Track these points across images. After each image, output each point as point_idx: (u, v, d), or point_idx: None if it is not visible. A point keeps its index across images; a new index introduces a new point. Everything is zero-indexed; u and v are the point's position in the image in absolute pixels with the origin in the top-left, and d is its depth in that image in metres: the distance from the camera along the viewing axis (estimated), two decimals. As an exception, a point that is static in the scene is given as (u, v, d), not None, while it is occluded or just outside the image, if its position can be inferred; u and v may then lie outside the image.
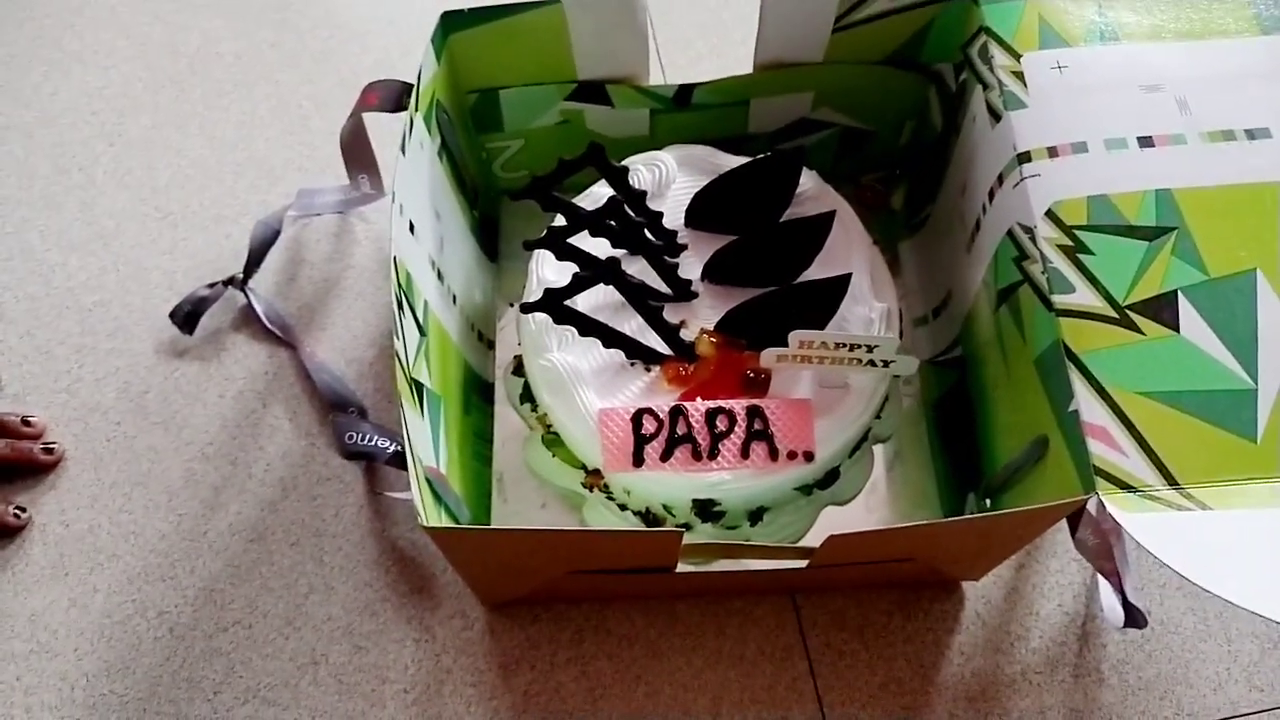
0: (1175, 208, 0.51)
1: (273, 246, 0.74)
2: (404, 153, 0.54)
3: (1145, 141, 0.52)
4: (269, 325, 0.72)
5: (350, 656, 0.62)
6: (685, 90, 0.67)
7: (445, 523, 0.53)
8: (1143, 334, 0.48)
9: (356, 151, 0.70)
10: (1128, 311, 0.48)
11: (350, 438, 0.62)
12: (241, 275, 0.73)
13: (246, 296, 0.73)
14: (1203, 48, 0.55)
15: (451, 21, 0.61)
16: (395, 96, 0.62)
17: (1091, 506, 0.48)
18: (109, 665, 0.62)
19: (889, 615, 0.63)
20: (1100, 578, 0.60)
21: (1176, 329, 0.48)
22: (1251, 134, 0.52)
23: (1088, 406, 0.47)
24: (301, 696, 0.61)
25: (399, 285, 0.52)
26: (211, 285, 0.73)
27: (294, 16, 0.88)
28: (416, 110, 0.57)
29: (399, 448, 0.63)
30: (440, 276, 0.61)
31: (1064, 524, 0.56)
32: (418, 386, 0.53)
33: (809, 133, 0.71)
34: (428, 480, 0.51)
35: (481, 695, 0.61)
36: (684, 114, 0.68)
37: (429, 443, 0.54)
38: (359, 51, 0.85)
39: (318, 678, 0.61)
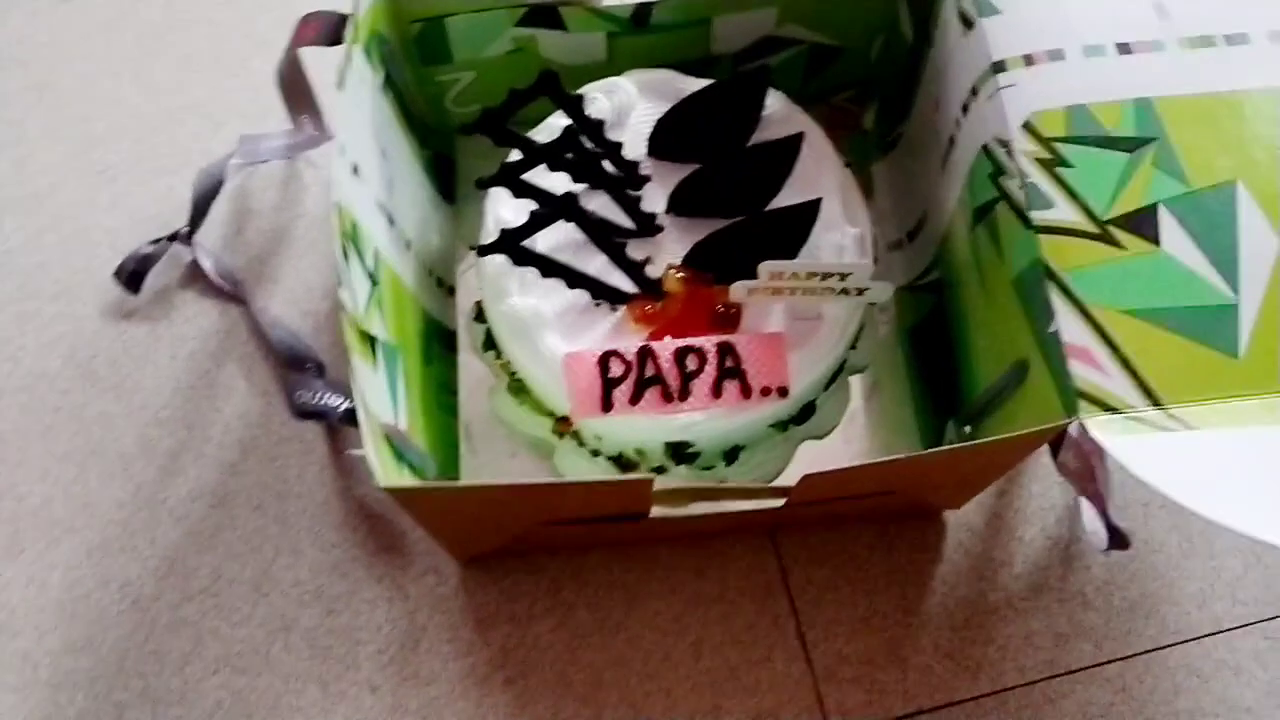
0: (1155, 118, 0.48)
1: (217, 197, 0.70)
2: (343, 87, 0.51)
3: (1123, 48, 0.50)
4: (218, 281, 0.69)
5: (321, 619, 0.60)
6: (643, 9, 0.63)
7: (407, 480, 0.51)
8: (1124, 249, 0.46)
9: (295, 91, 0.66)
10: (1108, 227, 0.46)
11: (300, 396, 0.59)
12: (187, 229, 0.70)
13: (193, 251, 0.70)
14: None
15: (387, -54, 0.57)
16: (333, 29, 0.58)
17: (1073, 428, 0.47)
18: (72, 642, 0.60)
19: (870, 548, 0.62)
20: (1083, 500, 0.59)
21: (1158, 243, 0.46)
22: (1230, 40, 0.50)
23: (1068, 326, 0.45)
24: (273, 663, 0.59)
25: (343, 233, 0.49)
26: (155, 241, 0.69)
27: (226, -49, 0.83)
28: (355, 42, 0.53)
29: (351, 405, 0.60)
30: (391, 221, 0.58)
31: (1046, 447, 0.55)
32: (370, 339, 0.51)
33: (775, 51, 0.68)
34: (386, 437, 0.49)
35: (458, 651, 0.60)
36: (643, 36, 0.65)
37: (386, 397, 0.51)
38: (298, -15, 0.81)
39: (289, 643, 0.60)
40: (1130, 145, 0.48)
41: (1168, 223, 0.46)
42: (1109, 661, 0.60)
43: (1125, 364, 0.44)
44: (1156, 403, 0.43)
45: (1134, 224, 0.46)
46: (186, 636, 0.60)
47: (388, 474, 0.46)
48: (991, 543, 0.63)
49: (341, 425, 0.63)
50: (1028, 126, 0.49)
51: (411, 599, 0.61)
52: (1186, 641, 0.60)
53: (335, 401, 0.60)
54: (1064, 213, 0.47)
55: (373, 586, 0.61)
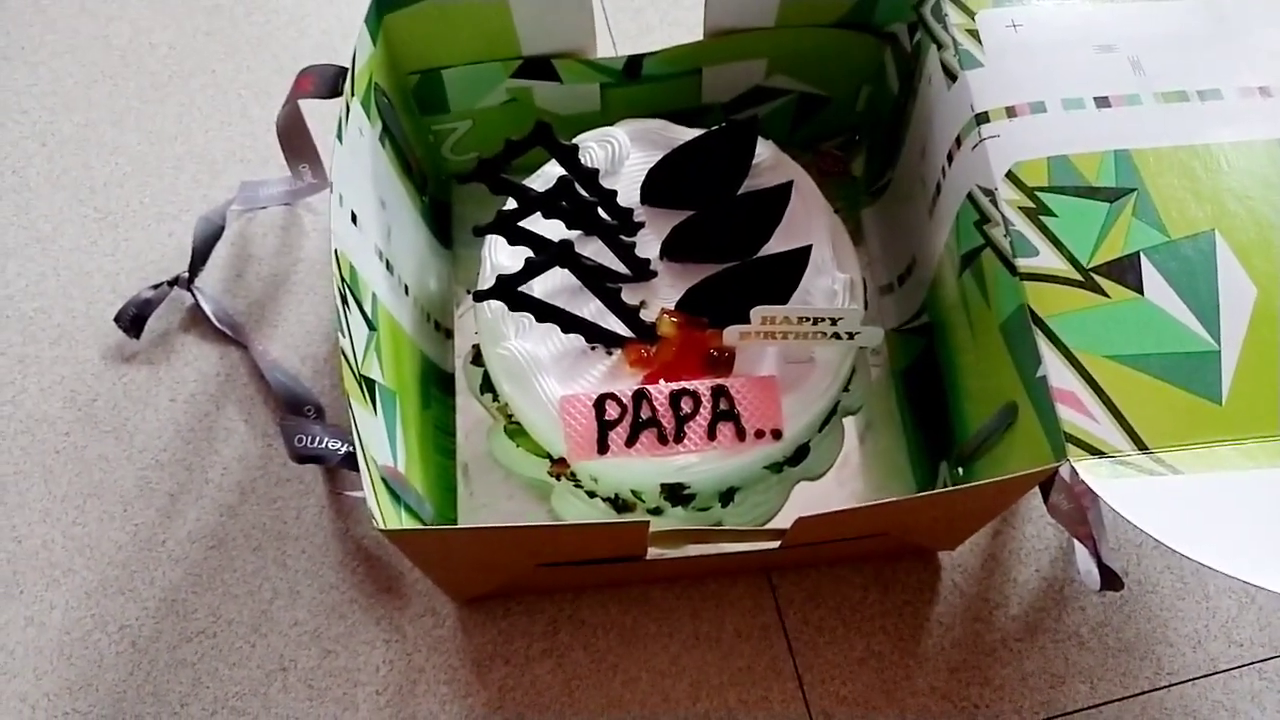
0: (1133, 168, 0.49)
1: (217, 243, 0.71)
2: (341, 140, 0.52)
3: (1102, 102, 0.51)
4: (218, 325, 0.70)
5: (319, 661, 0.60)
6: (635, 61, 0.65)
7: (405, 523, 0.51)
8: (1108, 296, 0.47)
9: (295, 141, 0.67)
10: (1092, 274, 0.47)
11: (299, 440, 0.60)
12: (187, 274, 0.71)
13: (193, 296, 0.71)
14: (1151, 8, 0.55)
15: (386, 0, 0.58)
16: (331, 82, 0.60)
17: (1063, 471, 0.48)
18: (70, 683, 0.60)
19: (866, 589, 0.63)
20: (1076, 541, 0.60)
21: (1140, 291, 0.47)
22: (1203, 95, 0.51)
23: (1056, 371, 0.46)
24: (271, 704, 0.59)
25: (342, 279, 0.50)
26: (156, 286, 0.70)
27: (228, 2, 0.84)
28: (353, 95, 0.54)
29: (351, 449, 0.61)
30: (389, 267, 0.59)
31: (1037, 489, 0.56)
32: (369, 383, 0.52)
33: (764, 101, 0.69)
34: (384, 480, 0.49)
35: (455, 693, 0.60)
36: (635, 87, 0.66)
37: (384, 441, 0.52)
38: (296, 36, 0.82)
39: (287, 684, 0.60)
40: (1110, 195, 0.49)
41: (1149, 271, 0.47)
42: (1105, 703, 0.60)
43: (1111, 409, 0.45)
44: (1142, 447, 0.44)
45: (1117, 271, 0.47)
46: (185, 678, 0.60)
47: (386, 517, 0.46)
48: (986, 584, 0.63)
49: (340, 469, 0.64)
50: (1011, 176, 0.50)
51: (409, 640, 0.61)
52: (1182, 683, 0.61)
53: (335, 445, 0.61)
54: (1048, 260, 0.48)
55: (370, 628, 0.61)
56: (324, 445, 0.60)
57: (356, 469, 0.46)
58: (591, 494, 0.60)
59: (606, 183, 0.59)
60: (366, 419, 0.49)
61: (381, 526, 0.45)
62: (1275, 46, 0.53)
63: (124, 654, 0.61)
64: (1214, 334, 0.45)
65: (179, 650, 0.61)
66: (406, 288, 0.62)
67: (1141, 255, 0.47)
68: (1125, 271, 0.47)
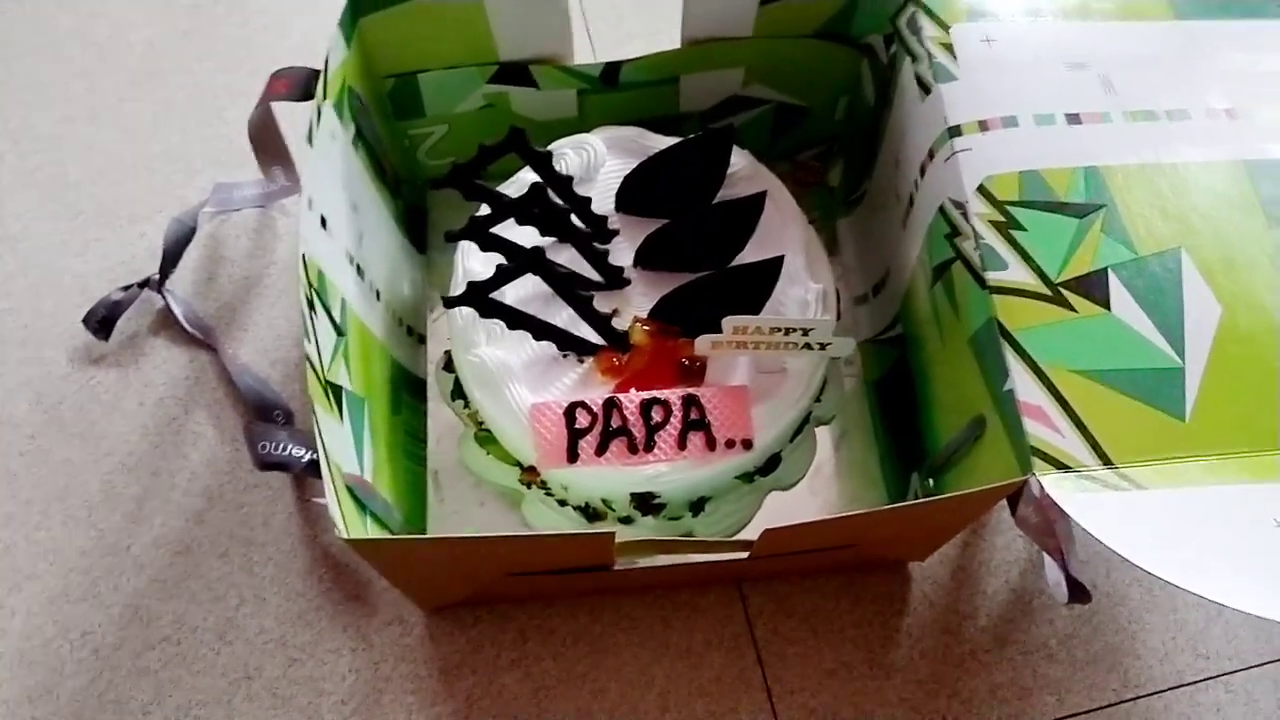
0: (1103, 185, 0.50)
1: (189, 245, 0.71)
2: (312, 144, 0.52)
3: (1073, 118, 0.52)
4: (188, 328, 0.69)
5: (285, 669, 0.60)
6: (612, 68, 0.65)
7: (371, 531, 0.51)
8: (1075, 311, 0.47)
9: (267, 143, 0.67)
10: (1060, 289, 0.48)
11: (263, 447, 0.59)
12: (158, 276, 0.70)
13: (164, 298, 0.70)
14: (1123, 29, 0.55)
15: (362, 3, 0.58)
16: (305, 84, 0.59)
17: (1031, 484, 0.48)
18: (29, 691, 0.59)
19: (836, 600, 0.62)
20: (1044, 553, 0.60)
21: (1108, 307, 0.47)
22: (1171, 115, 0.52)
23: (1023, 385, 0.46)
24: (235, 713, 0.59)
25: (309, 285, 0.49)
26: (126, 288, 0.70)
27: (207, 2, 0.84)
28: (325, 99, 0.54)
29: (315, 456, 0.60)
30: (360, 272, 0.58)
31: (1006, 501, 0.56)
32: (335, 390, 0.51)
33: (742, 110, 0.69)
34: (349, 488, 0.49)
35: (422, 702, 0.59)
36: (613, 94, 0.66)
37: (350, 448, 0.52)
38: (276, 38, 0.82)
39: (251, 693, 0.59)
40: (1080, 210, 0.49)
41: (1117, 287, 0.47)
42: (1072, 715, 0.60)
43: (1077, 423, 0.45)
44: (1107, 462, 0.44)
45: (1085, 287, 0.47)
46: (147, 686, 0.59)
47: (351, 526, 0.46)
48: (956, 595, 0.63)
49: (305, 476, 0.63)
50: (982, 189, 0.50)
51: (376, 648, 0.60)
52: (1149, 695, 0.61)
53: (299, 453, 0.60)
54: (1017, 274, 0.48)
55: (337, 635, 0.61)
56: (287, 452, 0.59)
57: (320, 476, 0.46)
58: (563, 502, 0.59)
59: (581, 190, 0.59)
60: (332, 426, 0.49)
61: (345, 535, 0.44)
62: (1241, 70, 0.53)
63: (85, 661, 0.60)
64: (1179, 351, 0.46)
65: (142, 658, 0.60)
66: (378, 293, 0.61)
67: (1110, 271, 0.48)
68: (1093, 287, 0.47)
